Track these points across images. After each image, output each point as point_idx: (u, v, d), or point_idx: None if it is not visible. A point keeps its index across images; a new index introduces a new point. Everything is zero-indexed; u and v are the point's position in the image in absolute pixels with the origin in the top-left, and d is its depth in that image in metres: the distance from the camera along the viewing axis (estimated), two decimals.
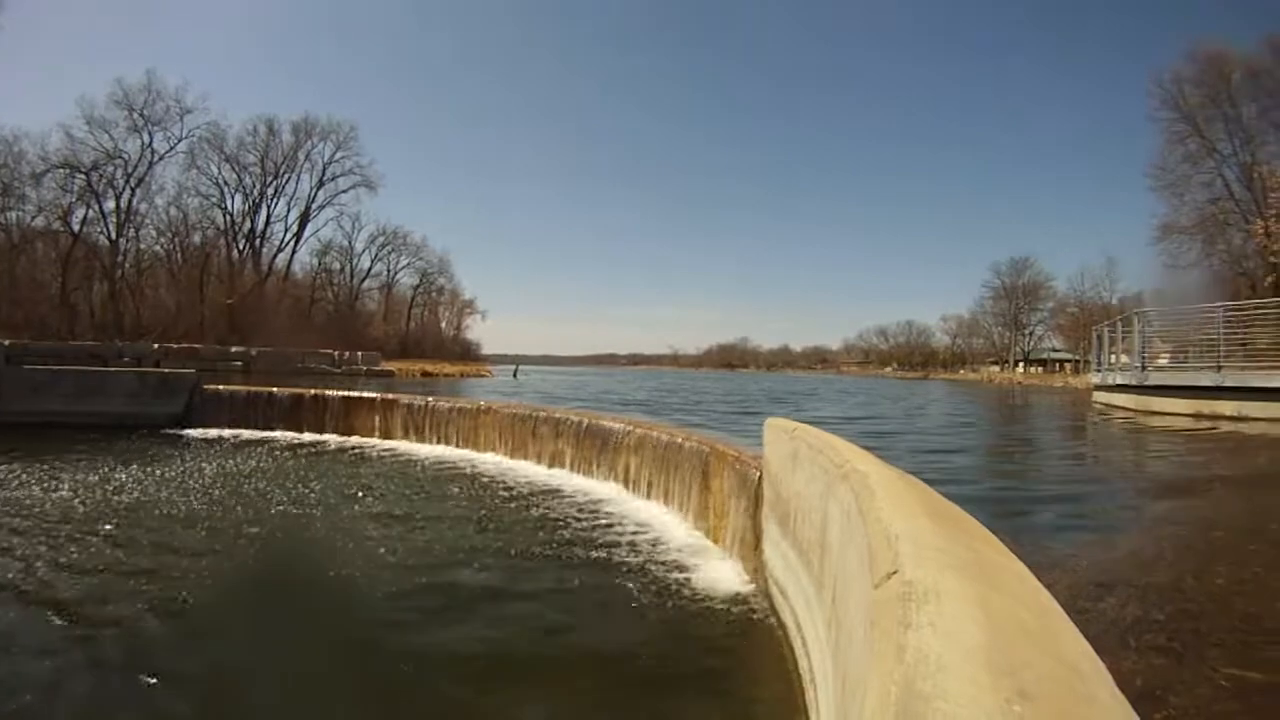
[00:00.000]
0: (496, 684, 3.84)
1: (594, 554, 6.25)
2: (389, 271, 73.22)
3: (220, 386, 16.90)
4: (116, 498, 8.22)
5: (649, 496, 8.31)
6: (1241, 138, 39.52)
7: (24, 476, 9.26)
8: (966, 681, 0.99)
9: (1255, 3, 64.19)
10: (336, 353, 41.84)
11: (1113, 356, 21.20)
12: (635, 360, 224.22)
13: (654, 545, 6.55)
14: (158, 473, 9.79)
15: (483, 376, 51.94)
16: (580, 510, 8.04)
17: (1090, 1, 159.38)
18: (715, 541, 6.54)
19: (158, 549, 6.21)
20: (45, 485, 8.78)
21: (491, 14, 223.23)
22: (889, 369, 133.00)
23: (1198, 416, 13.92)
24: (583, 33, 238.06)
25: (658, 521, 7.44)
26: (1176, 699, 2.06)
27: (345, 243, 67.73)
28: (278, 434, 14.73)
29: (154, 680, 3.77)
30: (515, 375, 54.65)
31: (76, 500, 8.04)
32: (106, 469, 9.98)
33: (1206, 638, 2.54)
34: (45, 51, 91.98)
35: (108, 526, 6.93)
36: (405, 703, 3.67)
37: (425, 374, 47.52)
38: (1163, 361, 18.26)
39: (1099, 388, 22.21)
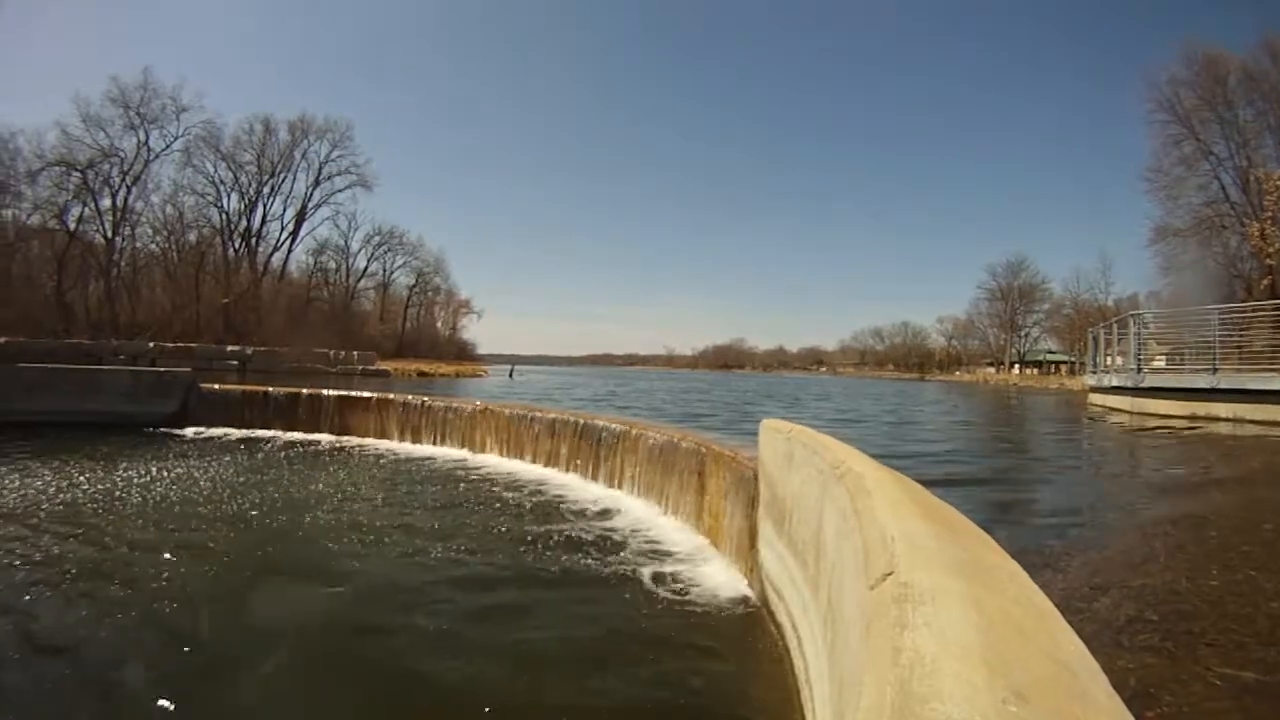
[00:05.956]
0: (489, 684, 3.84)
1: (589, 554, 6.25)
2: (385, 271, 73.09)
3: (216, 385, 16.86)
4: (109, 497, 8.20)
5: (645, 497, 8.31)
6: (1237, 141, 39.51)
7: (19, 475, 9.25)
8: (962, 682, 0.99)
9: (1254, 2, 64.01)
10: (332, 352, 41.73)
11: (1108, 358, 21.23)
12: (631, 361, 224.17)
13: (649, 545, 6.56)
14: (152, 472, 9.76)
15: (479, 376, 51.83)
16: (575, 510, 8.03)
17: (1090, 1, 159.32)
18: (711, 542, 6.54)
19: (145, 548, 6.19)
20: (41, 483, 8.78)
21: (484, 15, 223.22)
22: (886, 370, 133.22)
23: (1193, 419, 13.94)
24: (576, 31, 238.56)
25: (653, 521, 7.44)
26: (1170, 698, 2.06)
27: (341, 242, 67.51)
28: (273, 433, 14.72)
29: (143, 676, 3.77)
30: (511, 375, 54.61)
31: (71, 498, 8.03)
32: (100, 469, 9.95)
33: (1200, 638, 2.54)
34: (42, 47, 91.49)
35: (98, 527, 6.92)
36: (400, 700, 3.67)
37: (421, 374, 47.40)
38: (1158, 364, 18.29)
39: (1094, 389, 22.25)
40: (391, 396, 14.57)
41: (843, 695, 1.83)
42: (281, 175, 59.23)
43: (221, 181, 56.00)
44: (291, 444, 13.30)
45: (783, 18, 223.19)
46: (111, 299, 47.74)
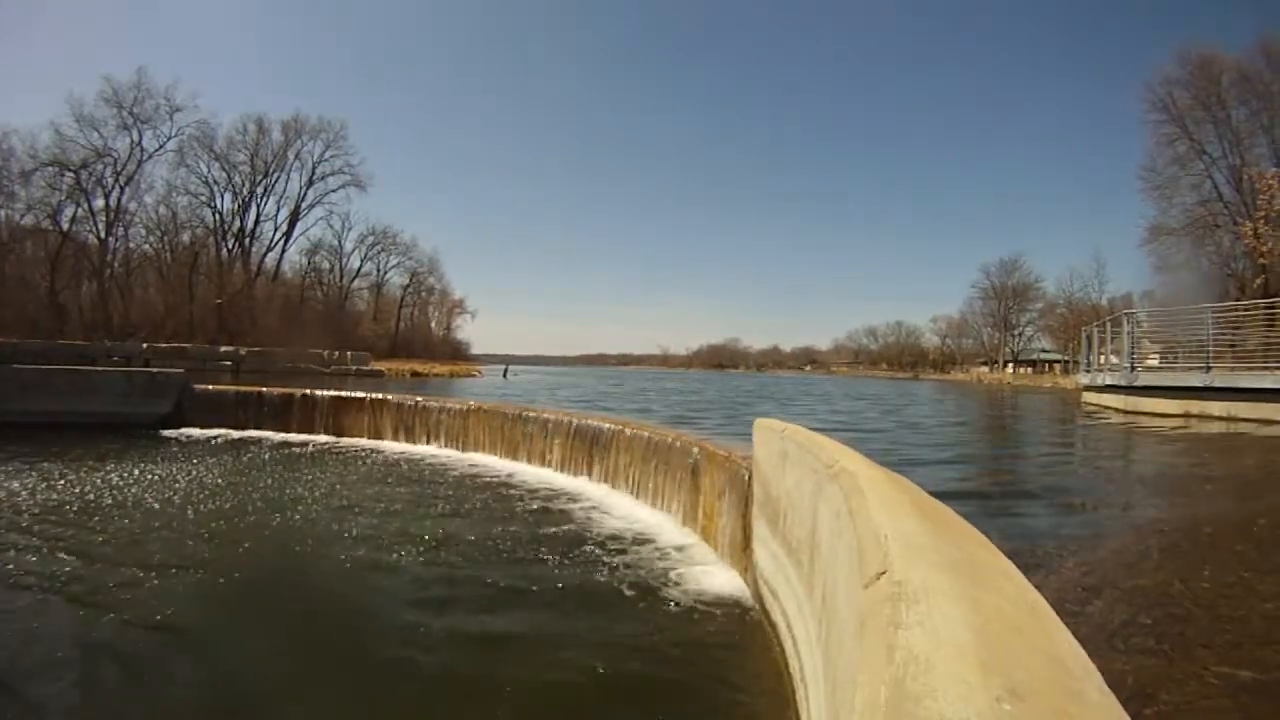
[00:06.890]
0: (483, 684, 3.83)
1: (583, 554, 6.24)
2: (379, 271, 73.07)
3: (209, 386, 16.83)
4: (101, 498, 8.16)
5: (638, 496, 8.30)
6: (1231, 140, 39.62)
7: (7, 477, 9.20)
8: (956, 680, 0.98)
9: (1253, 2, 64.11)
10: (326, 352, 41.73)
11: (1102, 357, 21.28)
12: (625, 361, 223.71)
13: (643, 545, 6.55)
14: (143, 473, 9.72)
15: (472, 376, 51.84)
16: (569, 510, 8.03)
17: (1090, 1, 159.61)
18: (705, 541, 6.53)
19: (135, 550, 6.17)
20: (29, 485, 8.74)
21: (483, 13, 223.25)
22: (879, 369, 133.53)
23: (1186, 417, 13.97)
24: (576, 31, 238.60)
25: (647, 521, 7.44)
26: (1167, 696, 2.06)
27: (335, 242, 67.61)
28: (267, 434, 14.67)
29: (133, 679, 3.76)
30: (505, 375, 54.62)
31: (60, 500, 7.99)
32: (90, 470, 9.91)
33: (1195, 638, 2.54)
34: (42, 47, 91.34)
35: (87, 529, 6.88)
36: (392, 700, 3.65)
37: (415, 374, 47.37)
38: (1152, 362, 18.32)
39: (1088, 388, 22.29)
40: (385, 397, 14.53)
41: (837, 694, 1.82)
42: (275, 175, 59.39)
43: (215, 181, 56.11)
44: (285, 445, 13.26)
45: (783, 18, 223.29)
46: (105, 299, 47.66)
